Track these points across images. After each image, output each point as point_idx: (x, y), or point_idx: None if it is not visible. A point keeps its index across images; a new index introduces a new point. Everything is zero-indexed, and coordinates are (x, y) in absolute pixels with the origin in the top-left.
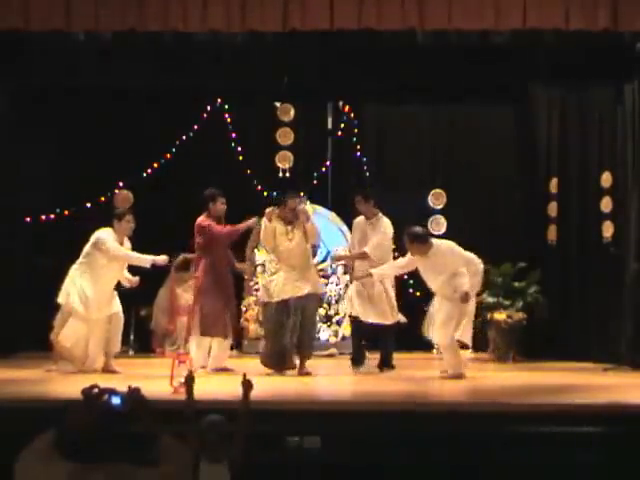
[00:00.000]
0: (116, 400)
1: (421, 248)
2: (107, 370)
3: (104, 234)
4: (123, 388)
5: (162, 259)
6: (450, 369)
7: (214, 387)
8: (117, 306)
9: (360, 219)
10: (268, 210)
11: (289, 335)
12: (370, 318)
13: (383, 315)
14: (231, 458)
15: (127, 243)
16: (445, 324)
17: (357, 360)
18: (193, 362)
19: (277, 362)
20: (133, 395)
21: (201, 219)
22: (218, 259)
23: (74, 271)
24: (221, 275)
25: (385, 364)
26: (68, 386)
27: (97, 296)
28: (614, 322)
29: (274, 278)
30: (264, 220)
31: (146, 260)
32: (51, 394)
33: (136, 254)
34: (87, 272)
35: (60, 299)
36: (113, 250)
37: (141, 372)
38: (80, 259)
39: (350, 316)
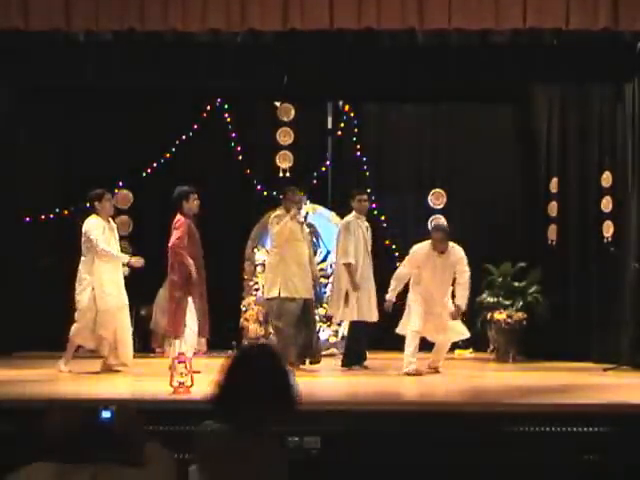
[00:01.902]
0: (106, 414)
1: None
2: (108, 369)
3: (89, 225)
4: (123, 388)
5: (137, 260)
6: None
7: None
8: (126, 299)
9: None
10: (288, 212)
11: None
12: (375, 317)
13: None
14: None
15: (112, 223)
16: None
17: (357, 361)
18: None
19: (301, 355)
20: (124, 412)
21: (179, 222)
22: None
23: (81, 269)
24: (189, 274)
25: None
26: (68, 386)
27: (111, 286)
28: (614, 322)
29: (293, 273)
30: (278, 214)
31: (123, 257)
32: (52, 394)
33: (116, 252)
34: (94, 266)
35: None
36: (97, 246)
37: (141, 372)
38: (82, 257)
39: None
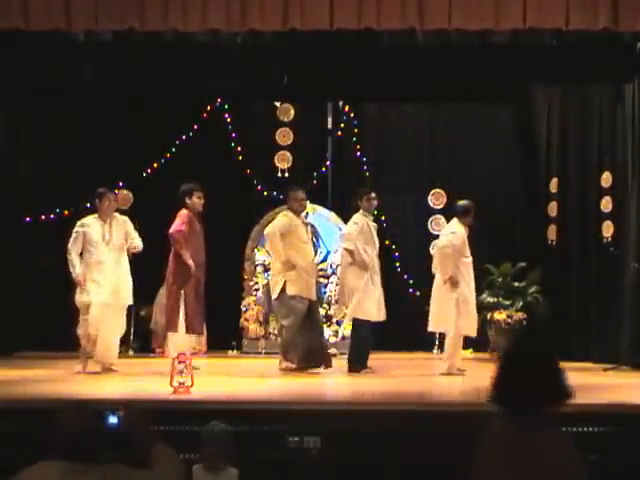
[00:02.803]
0: (113, 419)
1: None
2: (108, 369)
3: (77, 226)
4: (123, 388)
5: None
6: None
7: (214, 388)
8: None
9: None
10: (293, 212)
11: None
12: (383, 317)
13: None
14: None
15: (124, 220)
16: None
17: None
18: None
19: (316, 359)
20: (131, 414)
21: (182, 212)
22: (190, 254)
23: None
24: (188, 270)
25: None
26: (68, 386)
27: (89, 283)
28: (614, 322)
29: (299, 275)
30: (287, 213)
31: (74, 270)
32: (52, 394)
33: (76, 261)
34: (87, 264)
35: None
36: (68, 250)
37: (141, 372)
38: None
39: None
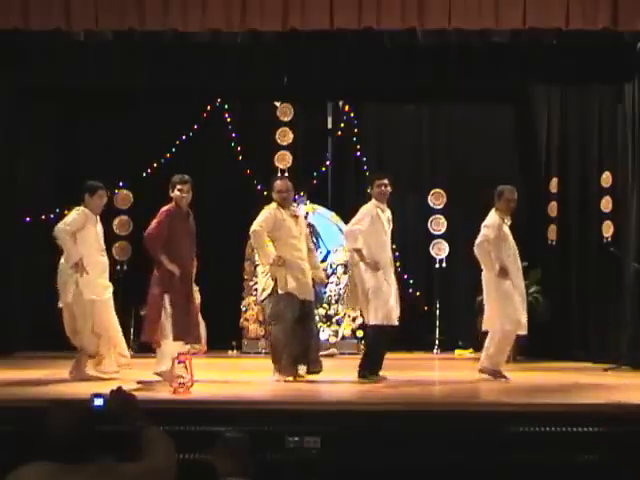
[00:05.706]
0: (98, 401)
1: None
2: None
3: (81, 212)
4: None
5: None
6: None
7: (214, 388)
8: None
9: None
10: (280, 205)
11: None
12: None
13: None
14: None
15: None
16: None
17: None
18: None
19: (297, 362)
20: (117, 395)
21: (161, 211)
22: (173, 257)
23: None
24: (171, 275)
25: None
26: (68, 387)
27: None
28: (614, 322)
29: (291, 272)
30: (270, 207)
31: (74, 256)
32: (51, 394)
33: (71, 245)
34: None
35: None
36: (62, 228)
37: (141, 372)
38: None
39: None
